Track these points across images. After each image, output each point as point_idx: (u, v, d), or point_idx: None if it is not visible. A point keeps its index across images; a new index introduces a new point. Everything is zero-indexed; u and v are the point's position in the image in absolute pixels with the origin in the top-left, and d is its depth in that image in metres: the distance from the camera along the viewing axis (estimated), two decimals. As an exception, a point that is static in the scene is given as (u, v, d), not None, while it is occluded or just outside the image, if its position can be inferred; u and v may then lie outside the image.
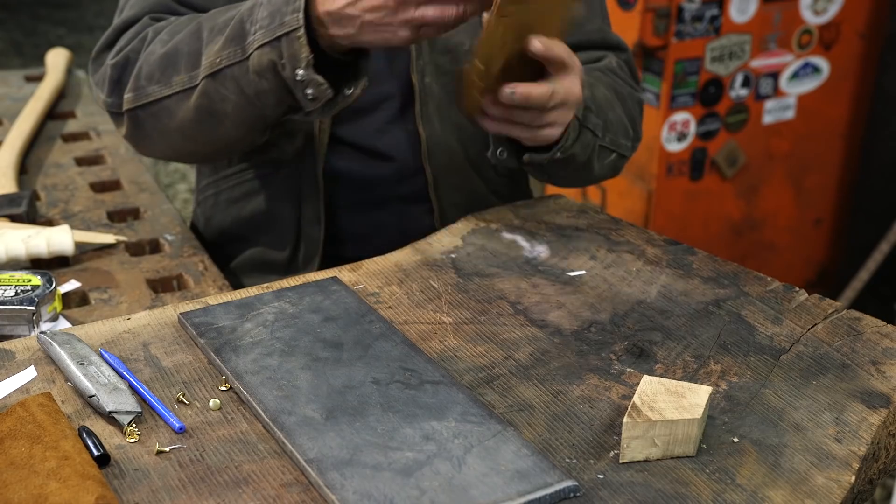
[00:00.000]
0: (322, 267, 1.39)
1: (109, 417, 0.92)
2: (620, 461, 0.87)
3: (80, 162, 1.73)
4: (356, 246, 1.44)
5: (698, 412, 0.87)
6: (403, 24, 1.12)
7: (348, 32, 1.14)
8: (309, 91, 1.16)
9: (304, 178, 1.41)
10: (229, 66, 1.19)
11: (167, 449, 0.88)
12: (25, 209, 1.44)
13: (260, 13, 1.17)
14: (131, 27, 1.32)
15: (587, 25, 1.49)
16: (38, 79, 2.16)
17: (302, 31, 1.13)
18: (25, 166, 1.70)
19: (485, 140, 1.41)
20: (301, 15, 1.13)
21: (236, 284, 1.47)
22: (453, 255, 1.24)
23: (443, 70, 1.41)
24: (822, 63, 2.76)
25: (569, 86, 1.18)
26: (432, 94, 1.40)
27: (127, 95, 1.29)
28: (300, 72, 1.14)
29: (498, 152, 1.31)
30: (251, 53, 1.17)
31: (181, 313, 1.08)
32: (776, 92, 2.72)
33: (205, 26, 1.23)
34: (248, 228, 1.49)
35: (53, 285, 1.19)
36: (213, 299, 1.13)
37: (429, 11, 1.12)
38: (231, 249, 1.52)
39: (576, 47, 1.47)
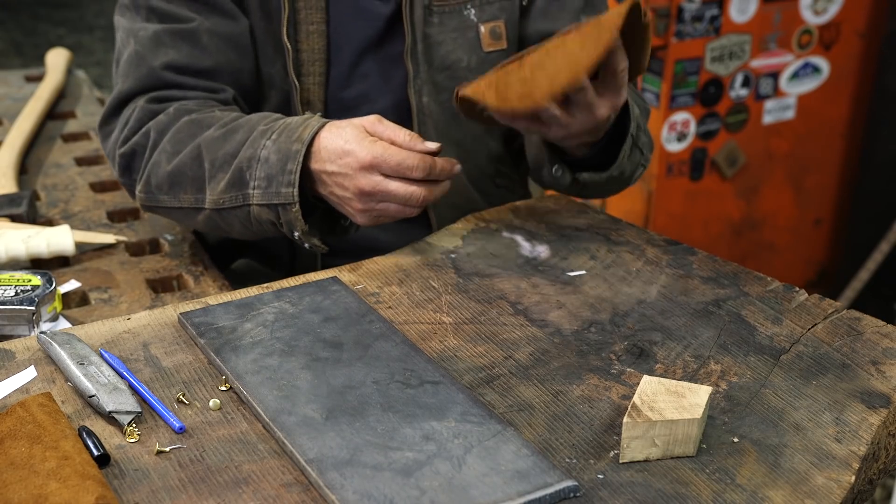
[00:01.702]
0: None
1: (109, 417, 0.92)
2: (620, 461, 0.87)
3: (80, 162, 1.73)
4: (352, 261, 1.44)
5: (698, 412, 0.87)
6: (363, 211, 1.19)
7: (323, 194, 1.22)
8: (306, 245, 1.23)
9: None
10: (232, 207, 1.24)
11: (167, 449, 0.88)
12: (25, 209, 1.44)
13: (259, 172, 1.21)
14: (129, 103, 1.34)
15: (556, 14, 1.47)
16: (39, 79, 2.16)
17: (297, 206, 1.18)
18: (25, 166, 1.70)
19: (483, 157, 1.45)
20: (295, 191, 1.18)
21: (236, 286, 1.47)
22: (453, 255, 1.24)
23: (440, 87, 1.39)
24: (822, 63, 2.75)
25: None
26: (431, 113, 1.39)
27: (140, 194, 1.32)
28: (297, 234, 1.21)
29: (554, 170, 1.32)
30: (251, 204, 1.22)
31: (181, 313, 1.08)
32: (776, 92, 2.71)
33: (205, 157, 1.26)
34: (244, 242, 1.49)
35: (53, 285, 1.19)
36: (213, 299, 1.13)
37: (391, 208, 1.18)
38: (229, 256, 1.52)
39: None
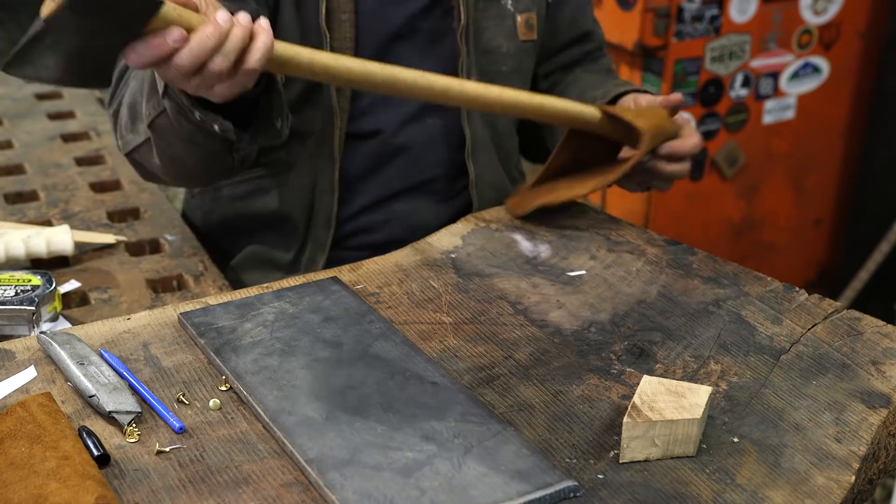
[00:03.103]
0: (326, 267, 1.40)
1: (109, 417, 0.92)
2: (620, 461, 0.87)
3: (80, 162, 1.73)
4: (363, 240, 1.45)
5: (698, 412, 0.87)
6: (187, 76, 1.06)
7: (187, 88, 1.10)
8: (216, 127, 1.14)
9: (319, 179, 1.41)
10: (156, 116, 1.21)
11: (167, 449, 0.88)
12: None
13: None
14: (126, 71, 1.34)
15: (581, 21, 1.57)
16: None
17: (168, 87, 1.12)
18: (25, 166, 1.70)
19: (512, 144, 1.56)
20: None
21: (235, 280, 1.47)
22: (453, 255, 1.24)
23: (483, 70, 1.43)
24: (822, 63, 2.75)
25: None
26: None
27: (118, 143, 1.35)
28: (197, 114, 1.13)
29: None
30: (165, 103, 1.17)
31: (181, 313, 1.08)
32: (776, 92, 2.71)
33: (144, 76, 1.23)
34: (252, 225, 1.49)
35: (53, 285, 1.19)
36: (213, 299, 1.13)
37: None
38: (231, 244, 1.51)
39: (575, 40, 1.57)
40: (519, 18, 1.46)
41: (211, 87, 1.05)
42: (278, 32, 1.35)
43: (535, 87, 1.56)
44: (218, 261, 1.46)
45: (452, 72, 1.40)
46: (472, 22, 1.41)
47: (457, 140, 1.45)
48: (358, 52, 1.38)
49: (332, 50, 1.36)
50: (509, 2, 1.45)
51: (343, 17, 1.37)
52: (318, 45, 1.33)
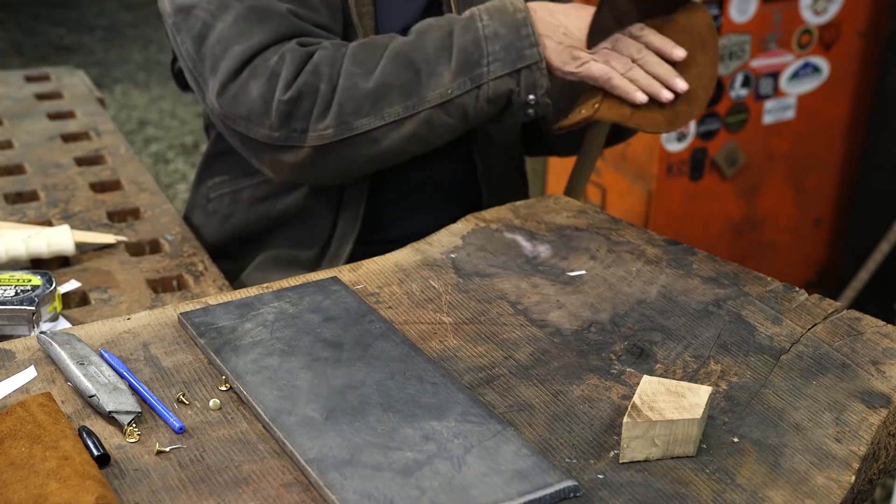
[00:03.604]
0: (348, 262, 1.43)
1: (109, 417, 0.92)
2: (620, 461, 0.87)
3: (80, 162, 1.73)
4: (385, 236, 1.47)
5: (698, 412, 0.87)
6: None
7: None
8: (531, 111, 1.34)
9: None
10: (460, 95, 1.31)
11: (167, 449, 0.88)
12: None
13: (489, 47, 1.31)
14: (262, 54, 1.32)
15: None
16: (38, 79, 2.16)
17: (543, 63, 1.32)
18: (25, 166, 1.70)
19: (517, 132, 1.60)
20: (539, 49, 1.31)
21: (253, 282, 1.47)
22: (453, 255, 1.24)
23: None
24: (822, 63, 2.75)
25: None
26: None
27: (325, 131, 1.31)
28: (533, 97, 1.33)
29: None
30: (484, 83, 1.31)
31: (181, 313, 1.08)
32: (776, 92, 2.71)
33: (414, 58, 1.30)
34: (273, 226, 1.49)
35: (53, 285, 1.19)
36: (213, 299, 1.13)
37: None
38: (249, 248, 1.52)
39: None
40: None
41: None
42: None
43: None
44: (227, 272, 1.46)
45: None
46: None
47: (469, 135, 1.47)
48: None
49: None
50: None
51: (363, 10, 1.41)
52: (350, 39, 1.38)
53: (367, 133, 1.32)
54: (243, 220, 1.52)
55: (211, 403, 0.95)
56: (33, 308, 1.14)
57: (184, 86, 1.53)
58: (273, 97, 1.30)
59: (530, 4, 1.35)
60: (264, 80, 1.30)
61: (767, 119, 2.74)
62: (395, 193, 1.49)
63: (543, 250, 1.26)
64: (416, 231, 1.39)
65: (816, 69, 2.75)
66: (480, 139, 1.49)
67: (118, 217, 1.53)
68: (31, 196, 1.59)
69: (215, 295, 1.17)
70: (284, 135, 1.32)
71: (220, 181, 1.54)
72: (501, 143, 1.54)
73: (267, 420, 0.90)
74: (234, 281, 1.51)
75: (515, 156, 1.62)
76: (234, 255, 1.53)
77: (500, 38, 1.31)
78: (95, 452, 0.86)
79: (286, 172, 1.37)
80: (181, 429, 0.90)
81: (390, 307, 1.12)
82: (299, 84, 1.30)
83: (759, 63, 2.65)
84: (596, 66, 1.33)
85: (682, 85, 1.34)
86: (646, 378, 0.91)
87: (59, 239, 1.33)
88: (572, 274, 1.20)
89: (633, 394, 0.91)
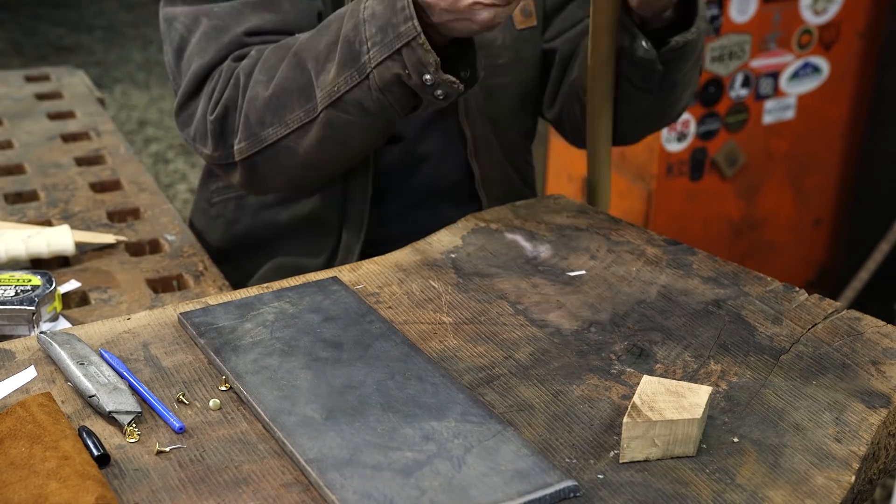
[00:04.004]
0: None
1: (109, 417, 0.92)
2: (620, 461, 0.87)
3: (80, 162, 1.73)
4: (391, 246, 1.46)
5: (698, 412, 0.87)
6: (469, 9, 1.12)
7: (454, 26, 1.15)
8: (438, 91, 1.17)
9: (351, 180, 1.42)
10: (349, 90, 1.20)
11: (167, 449, 0.88)
12: None
13: (367, 30, 1.17)
14: (212, 73, 1.30)
15: None
16: (38, 79, 2.16)
17: (422, 37, 1.14)
18: (25, 166, 1.70)
19: (517, 133, 1.51)
20: (415, 22, 1.14)
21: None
22: (453, 255, 1.24)
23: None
24: (822, 63, 2.75)
25: None
26: (472, 91, 1.40)
27: (239, 145, 1.28)
28: (428, 77, 1.16)
29: (645, 44, 1.30)
30: (370, 72, 1.17)
31: (181, 313, 1.08)
32: (776, 92, 2.71)
33: (306, 57, 1.22)
34: (279, 234, 1.49)
35: (53, 285, 1.19)
36: (213, 299, 1.13)
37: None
38: (255, 255, 1.51)
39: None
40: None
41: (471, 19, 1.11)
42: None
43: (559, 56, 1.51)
44: (234, 281, 1.45)
45: None
46: None
47: (459, 140, 1.45)
48: None
49: None
50: None
51: None
52: None
53: (278, 142, 1.26)
54: (249, 226, 1.51)
55: (211, 403, 0.95)
56: (33, 308, 1.14)
57: None
58: (206, 118, 1.30)
59: None
60: (205, 100, 1.30)
61: (767, 119, 2.74)
62: (399, 205, 1.47)
63: (543, 250, 1.26)
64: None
65: (816, 69, 2.75)
66: (477, 145, 1.47)
67: (118, 217, 1.53)
68: (31, 196, 1.59)
69: (215, 295, 1.17)
70: (220, 153, 1.31)
71: (224, 185, 1.54)
72: (501, 148, 1.52)
73: (267, 420, 0.90)
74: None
75: (519, 162, 1.56)
76: (239, 262, 1.53)
77: (377, 18, 1.16)
78: (95, 452, 0.86)
79: (242, 187, 1.37)
80: (181, 429, 0.90)
81: (390, 307, 1.12)
82: (224, 101, 1.28)
83: (758, 63, 2.65)
84: (483, 13, 1.14)
85: None
86: (646, 378, 0.91)
87: (59, 239, 1.33)
88: (572, 274, 1.20)
89: (633, 394, 0.91)
